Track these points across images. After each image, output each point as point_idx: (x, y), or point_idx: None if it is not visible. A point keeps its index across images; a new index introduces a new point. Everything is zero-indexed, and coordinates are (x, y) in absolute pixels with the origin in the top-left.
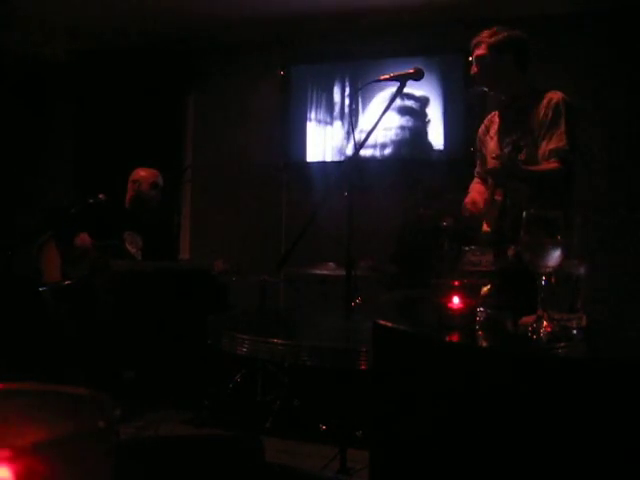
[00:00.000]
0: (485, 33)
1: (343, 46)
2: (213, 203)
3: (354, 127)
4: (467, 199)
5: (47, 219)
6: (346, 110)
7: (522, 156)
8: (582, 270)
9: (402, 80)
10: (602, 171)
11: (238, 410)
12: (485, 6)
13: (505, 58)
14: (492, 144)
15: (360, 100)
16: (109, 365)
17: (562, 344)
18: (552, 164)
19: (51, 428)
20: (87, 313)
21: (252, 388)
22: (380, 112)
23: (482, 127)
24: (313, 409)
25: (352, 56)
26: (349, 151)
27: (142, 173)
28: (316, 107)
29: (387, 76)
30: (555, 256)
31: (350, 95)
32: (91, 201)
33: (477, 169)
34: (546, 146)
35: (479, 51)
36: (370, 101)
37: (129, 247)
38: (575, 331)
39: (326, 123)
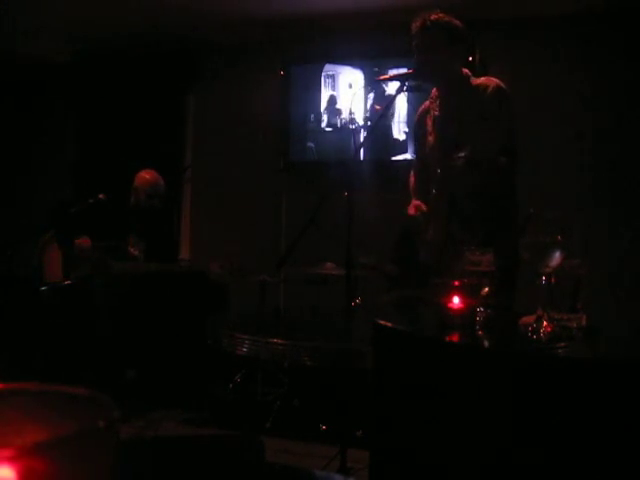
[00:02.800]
0: (428, 18)
1: (343, 46)
2: (213, 203)
3: (354, 127)
4: (410, 207)
5: (49, 218)
6: (346, 110)
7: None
8: (582, 270)
9: (402, 80)
10: (601, 170)
11: (238, 410)
12: (485, 6)
13: (446, 43)
14: (431, 138)
15: (360, 100)
16: (110, 365)
17: (562, 344)
18: (500, 162)
19: (51, 428)
20: (87, 313)
21: (252, 388)
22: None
23: (423, 107)
24: (313, 409)
25: (352, 56)
26: (349, 151)
27: (141, 180)
28: (316, 107)
29: (387, 76)
30: (555, 256)
31: (350, 95)
32: (91, 201)
33: (416, 151)
34: (489, 141)
35: (422, 37)
36: (370, 101)
37: (132, 250)
38: (575, 331)
39: (326, 123)
